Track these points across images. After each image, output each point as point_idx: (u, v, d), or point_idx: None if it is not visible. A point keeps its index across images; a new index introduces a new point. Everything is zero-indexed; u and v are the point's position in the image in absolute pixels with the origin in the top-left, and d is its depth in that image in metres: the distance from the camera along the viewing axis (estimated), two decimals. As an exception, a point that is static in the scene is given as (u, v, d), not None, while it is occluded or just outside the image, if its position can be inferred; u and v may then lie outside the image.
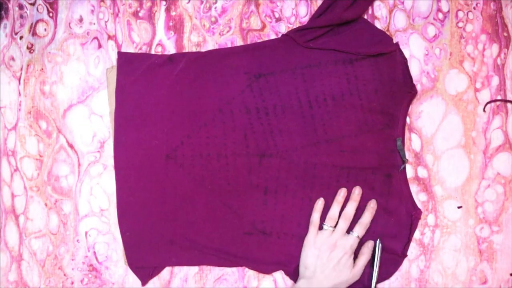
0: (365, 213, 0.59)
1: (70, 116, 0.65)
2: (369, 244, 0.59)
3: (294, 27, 0.62)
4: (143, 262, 0.64)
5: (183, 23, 0.63)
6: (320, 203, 0.60)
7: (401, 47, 0.61)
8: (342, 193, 0.60)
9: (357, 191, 0.59)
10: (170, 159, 0.61)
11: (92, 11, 0.64)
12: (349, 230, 0.59)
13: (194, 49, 0.63)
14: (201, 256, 0.63)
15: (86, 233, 0.65)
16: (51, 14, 0.65)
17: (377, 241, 0.60)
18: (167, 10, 0.63)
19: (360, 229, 0.59)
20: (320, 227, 0.60)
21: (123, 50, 0.64)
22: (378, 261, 0.59)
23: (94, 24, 0.64)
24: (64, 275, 0.66)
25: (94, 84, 0.64)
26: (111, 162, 0.64)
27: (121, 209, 0.63)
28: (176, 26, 0.63)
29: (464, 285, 0.62)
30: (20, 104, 0.65)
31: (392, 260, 0.61)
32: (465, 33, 0.61)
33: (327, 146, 0.59)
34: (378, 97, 0.58)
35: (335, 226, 0.59)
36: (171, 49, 0.64)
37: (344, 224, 0.59)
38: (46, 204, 0.65)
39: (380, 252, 0.59)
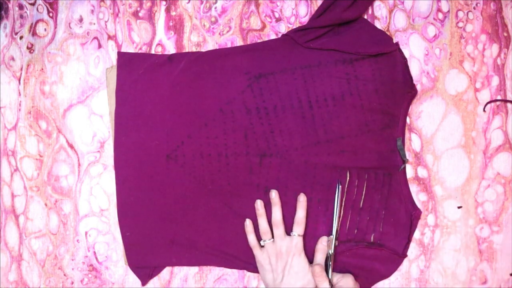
0: (297, 210, 0.59)
1: (70, 116, 0.65)
2: (323, 240, 0.59)
3: (294, 27, 0.62)
4: (143, 262, 0.64)
5: (183, 23, 0.63)
6: (248, 224, 0.60)
7: (401, 47, 0.61)
8: (259, 204, 0.60)
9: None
10: (170, 159, 0.61)
11: (92, 11, 0.64)
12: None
13: (194, 49, 0.63)
14: (201, 256, 0.63)
15: (86, 233, 0.65)
16: (51, 14, 0.65)
17: (338, 185, 0.59)
18: (167, 10, 0.63)
19: (298, 228, 0.58)
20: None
21: (123, 50, 0.64)
22: (337, 206, 0.59)
23: (94, 24, 0.64)
24: (64, 275, 0.66)
25: (94, 84, 0.64)
26: (111, 162, 0.64)
27: (121, 209, 0.63)
28: (176, 26, 0.63)
29: (464, 285, 0.62)
30: (20, 104, 0.65)
31: (392, 260, 0.61)
32: (465, 33, 0.61)
33: (327, 146, 0.59)
34: (378, 97, 0.58)
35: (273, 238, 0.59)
36: (171, 49, 0.64)
37: (278, 230, 0.59)
38: (46, 204, 0.65)
39: (339, 197, 0.59)
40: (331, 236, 0.58)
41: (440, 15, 0.61)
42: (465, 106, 0.61)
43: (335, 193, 0.59)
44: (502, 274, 0.62)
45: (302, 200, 0.59)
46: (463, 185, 0.62)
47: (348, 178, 0.60)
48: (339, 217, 0.59)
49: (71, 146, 0.65)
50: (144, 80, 0.62)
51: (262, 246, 0.60)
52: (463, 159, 0.62)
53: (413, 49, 0.61)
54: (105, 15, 0.64)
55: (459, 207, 0.62)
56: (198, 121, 0.61)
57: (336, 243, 0.59)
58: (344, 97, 0.58)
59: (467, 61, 0.61)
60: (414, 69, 0.61)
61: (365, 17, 0.61)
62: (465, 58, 0.61)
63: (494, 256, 0.62)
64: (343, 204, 0.59)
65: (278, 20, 0.63)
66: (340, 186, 0.59)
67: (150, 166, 0.62)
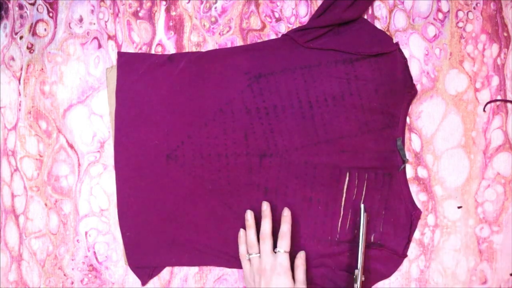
0: (282, 224, 0.58)
1: (70, 116, 0.65)
2: (301, 255, 0.58)
3: (294, 27, 0.62)
4: (143, 262, 0.64)
5: (183, 23, 0.63)
6: (242, 234, 0.60)
7: (401, 47, 0.61)
8: (249, 215, 0.59)
9: (266, 209, 0.58)
10: (170, 159, 0.61)
11: (92, 11, 0.64)
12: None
13: (194, 49, 0.63)
14: (201, 256, 0.63)
15: (86, 233, 0.65)
16: (51, 14, 0.65)
17: (362, 209, 0.57)
18: (167, 10, 0.63)
19: (282, 242, 0.56)
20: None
21: (123, 50, 0.64)
22: (363, 232, 0.56)
23: (94, 24, 0.64)
24: (64, 275, 0.66)
25: (94, 84, 0.64)
26: (111, 162, 0.64)
27: (121, 209, 0.63)
28: (176, 26, 0.63)
29: (464, 285, 0.62)
30: (20, 104, 0.65)
31: (392, 260, 0.61)
32: (465, 33, 0.61)
33: (327, 146, 0.59)
34: (378, 97, 0.58)
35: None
36: (171, 49, 0.64)
37: (264, 244, 0.57)
38: (46, 204, 0.65)
39: (364, 223, 0.57)
40: (357, 270, 0.56)
41: (440, 15, 0.61)
42: (465, 106, 0.61)
43: (360, 221, 0.57)
44: (502, 274, 0.62)
45: (286, 214, 0.58)
46: (463, 185, 0.62)
47: (348, 178, 0.60)
48: (364, 247, 0.57)
49: (71, 146, 0.65)
50: (144, 80, 0.62)
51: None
52: (463, 159, 0.62)
53: (413, 49, 0.61)
54: (105, 15, 0.64)
55: (459, 207, 0.62)
56: (198, 121, 0.61)
57: (363, 278, 0.56)
58: (344, 97, 0.58)
59: (467, 61, 0.61)
60: (414, 69, 0.61)
61: (365, 17, 0.61)
62: (465, 58, 0.61)
63: (494, 256, 0.62)
64: (366, 231, 0.57)
65: (278, 20, 0.63)
66: (365, 214, 0.57)
67: (150, 166, 0.62)
